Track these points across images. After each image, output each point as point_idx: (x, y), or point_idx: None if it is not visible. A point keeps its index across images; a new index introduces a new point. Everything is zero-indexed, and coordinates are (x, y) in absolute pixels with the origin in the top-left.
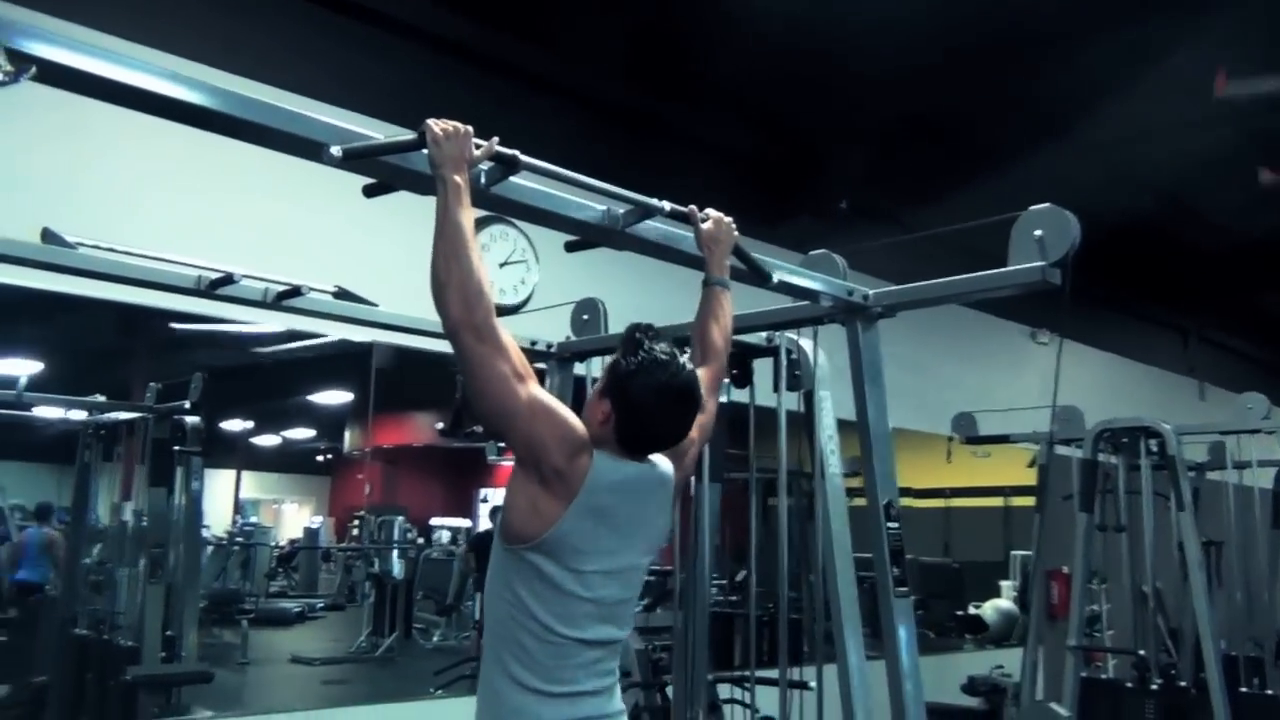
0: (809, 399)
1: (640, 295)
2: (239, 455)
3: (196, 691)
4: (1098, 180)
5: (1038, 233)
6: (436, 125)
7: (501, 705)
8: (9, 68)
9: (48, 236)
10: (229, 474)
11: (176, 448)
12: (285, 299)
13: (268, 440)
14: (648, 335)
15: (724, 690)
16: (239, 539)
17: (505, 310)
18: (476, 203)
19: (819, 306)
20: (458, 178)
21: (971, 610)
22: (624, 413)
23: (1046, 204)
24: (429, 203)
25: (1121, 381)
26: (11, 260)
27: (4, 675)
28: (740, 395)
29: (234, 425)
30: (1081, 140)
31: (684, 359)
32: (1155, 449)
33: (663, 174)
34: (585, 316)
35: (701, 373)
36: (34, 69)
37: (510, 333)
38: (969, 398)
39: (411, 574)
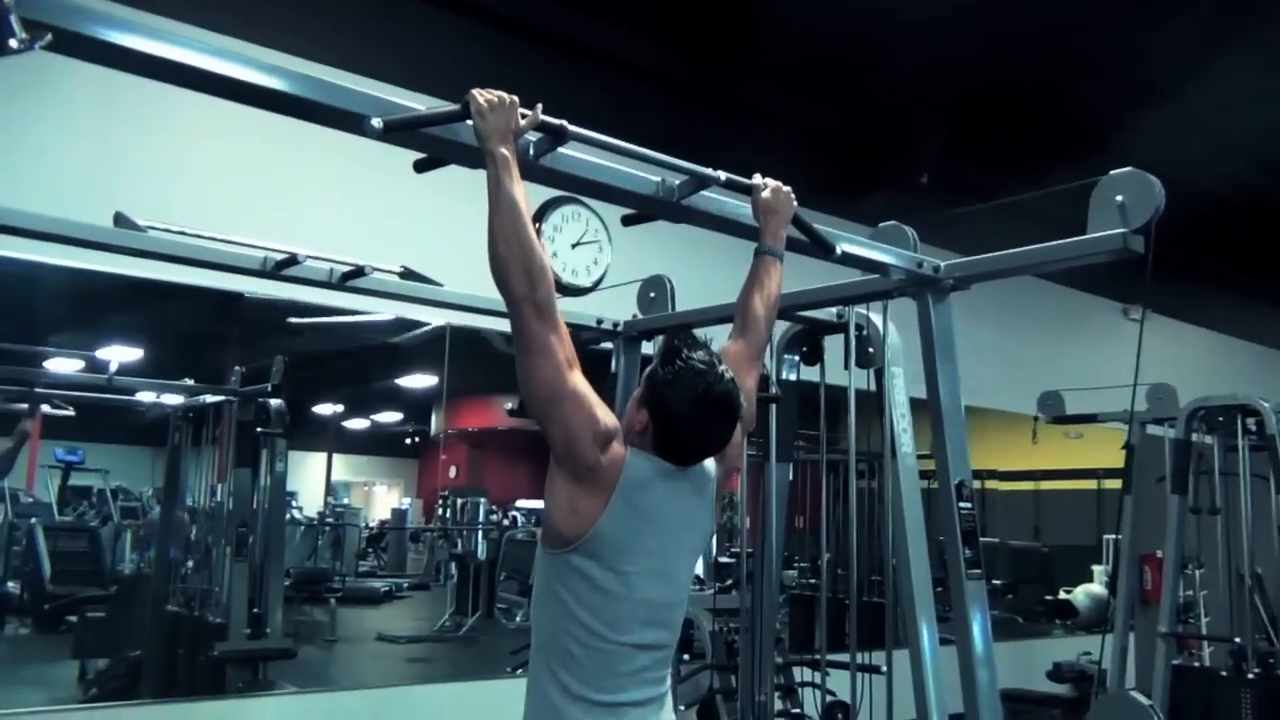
0: (880, 376)
1: (709, 272)
2: (330, 438)
3: (284, 667)
4: (1193, 149)
5: (1119, 198)
6: (481, 96)
7: (546, 711)
8: (24, 35)
9: (120, 220)
10: (321, 457)
11: (259, 429)
12: (350, 279)
13: (358, 424)
14: (686, 344)
15: (804, 673)
16: (329, 520)
17: (578, 291)
18: (524, 175)
19: (889, 280)
20: (504, 150)
21: (1061, 595)
22: (661, 423)
23: (1129, 168)
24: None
25: (1217, 358)
26: (85, 244)
27: (104, 649)
28: (811, 373)
29: (326, 409)
30: (1176, 107)
31: (723, 368)
32: (1253, 428)
33: (733, 150)
34: (652, 294)
35: (738, 344)
36: (49, 36)
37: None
38: (1057, 377)
39: (494, 555)
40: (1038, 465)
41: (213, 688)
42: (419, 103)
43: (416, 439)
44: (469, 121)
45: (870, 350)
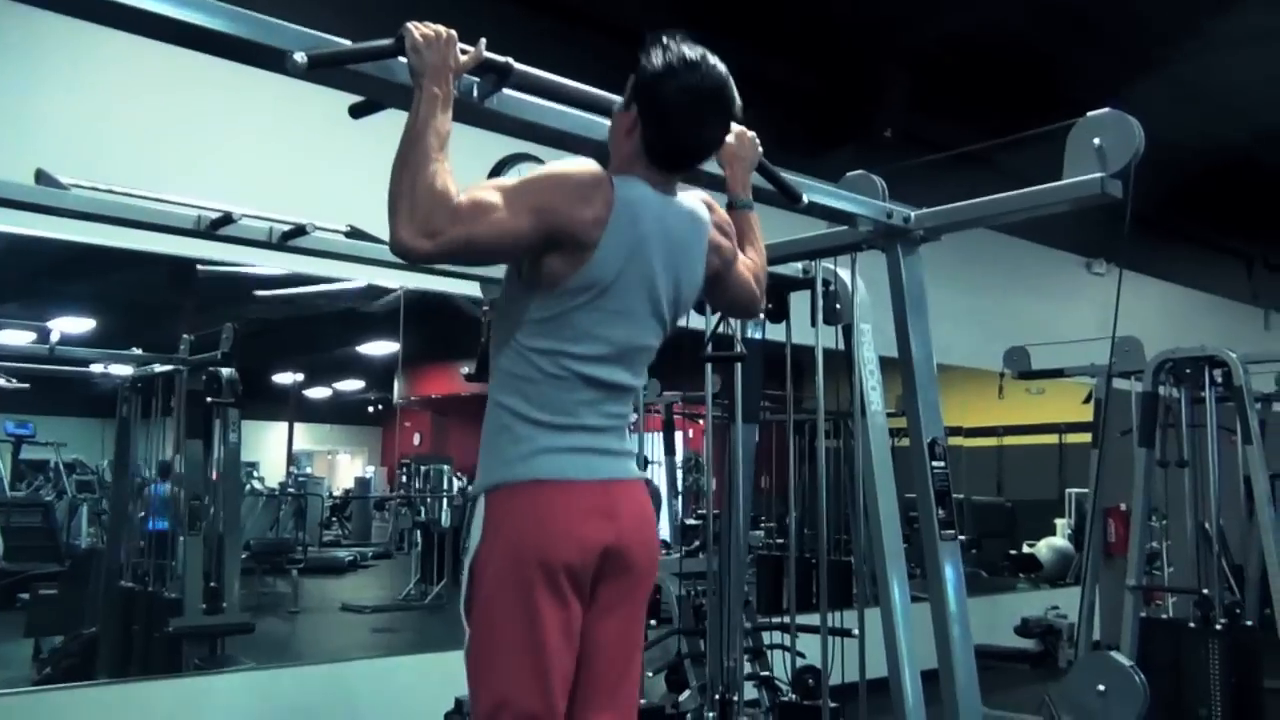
0: (848, 332)
1: None
2: (291, 408)
3: (244, 642)
4: (1157, 98)
5: (1097, 140)
6: (416, 30)
7: (500, 436)
8: None
9: (41, 178)
10: (282, 426)
11: (209, 399)
12: (291, 238)
13: (320, 393)
14: (673, 36)
15: (773, 635)
16: (290, 490)
17: None
18: (469, 119)
19: (856, 232)
20: (437, 88)
21: (1025, 549)
22: (651, 119)
23: (1106, 109)
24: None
25: (1181, 311)
26: (3, 203)
27: (58, 627)
28: (777, 332)
29: (286, 378)
30: (1147, 58)
31: (715, 60)
32: (1220, 380)
33: None
34: None
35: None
36: None
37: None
38: (1022, 332)
39: (459, 522)
40: (1001, 421)
41: (169, 665)
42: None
43: (379, 407)
44: (404, 59)
45: (838, 306)
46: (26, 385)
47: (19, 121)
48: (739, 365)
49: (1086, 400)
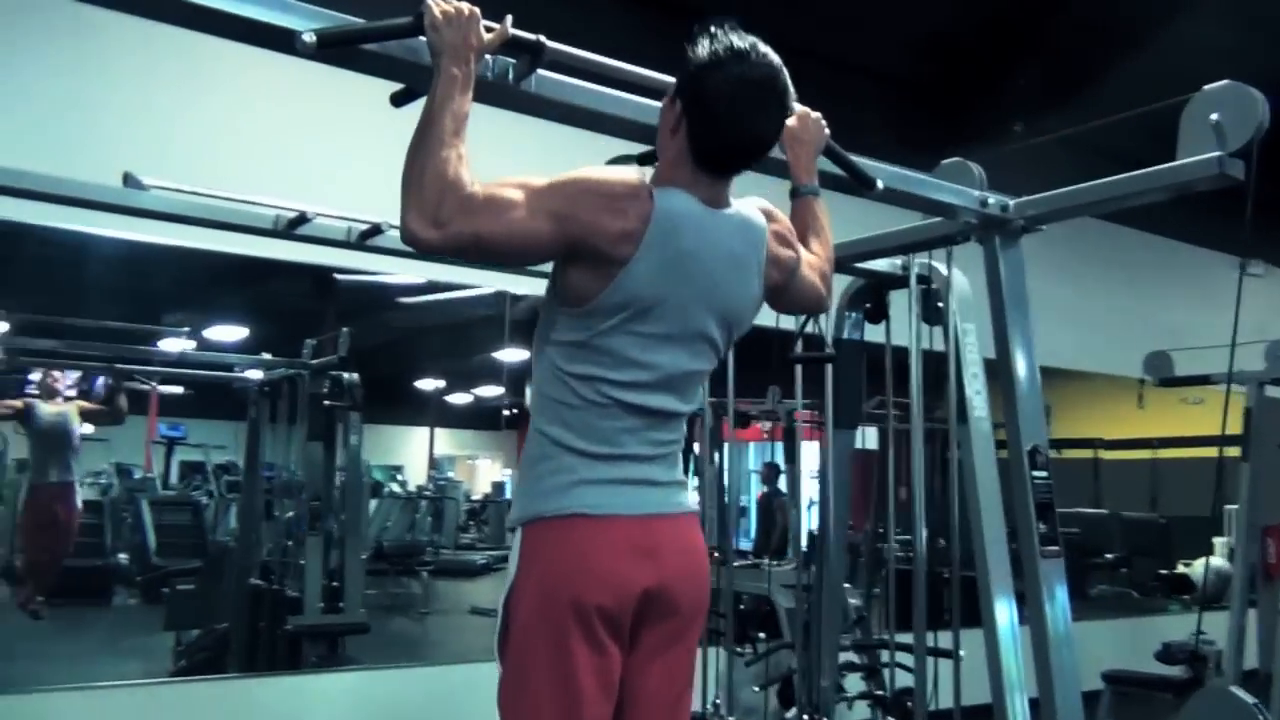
0: (951, 333)
1: None
2: (433, 413)
3: (370, 640)
4: None
5: (1214, 116)
6: (436, 6)
7: (539, 465)
8: None
9: (129, 180)
10: (424, 431)
11: (326, 403)
12: (369, 237)
13: (460, 398)
14: (722, 25)
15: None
16: (428, 493)
17: None
18: (506, 103)
19: (952, 224)
20: (456, 69)
21: (1180, 569)
22: (697, 115)
23: (1225, 81)
24: (529, 133)
25: None
26: (93, 205)
27: (194, 621)
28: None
29: (429, 384)
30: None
31: (766, 49)
32: None
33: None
34: None
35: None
36: None
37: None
38: (1168, 337)
39: None
40: (1154, 432)
41: (290, 662)
42: None
43: (515, 412)
44: (424, 38)
45: (940, 305)
46: (182, 390)
47: (107, 126)
48: (830, 366)
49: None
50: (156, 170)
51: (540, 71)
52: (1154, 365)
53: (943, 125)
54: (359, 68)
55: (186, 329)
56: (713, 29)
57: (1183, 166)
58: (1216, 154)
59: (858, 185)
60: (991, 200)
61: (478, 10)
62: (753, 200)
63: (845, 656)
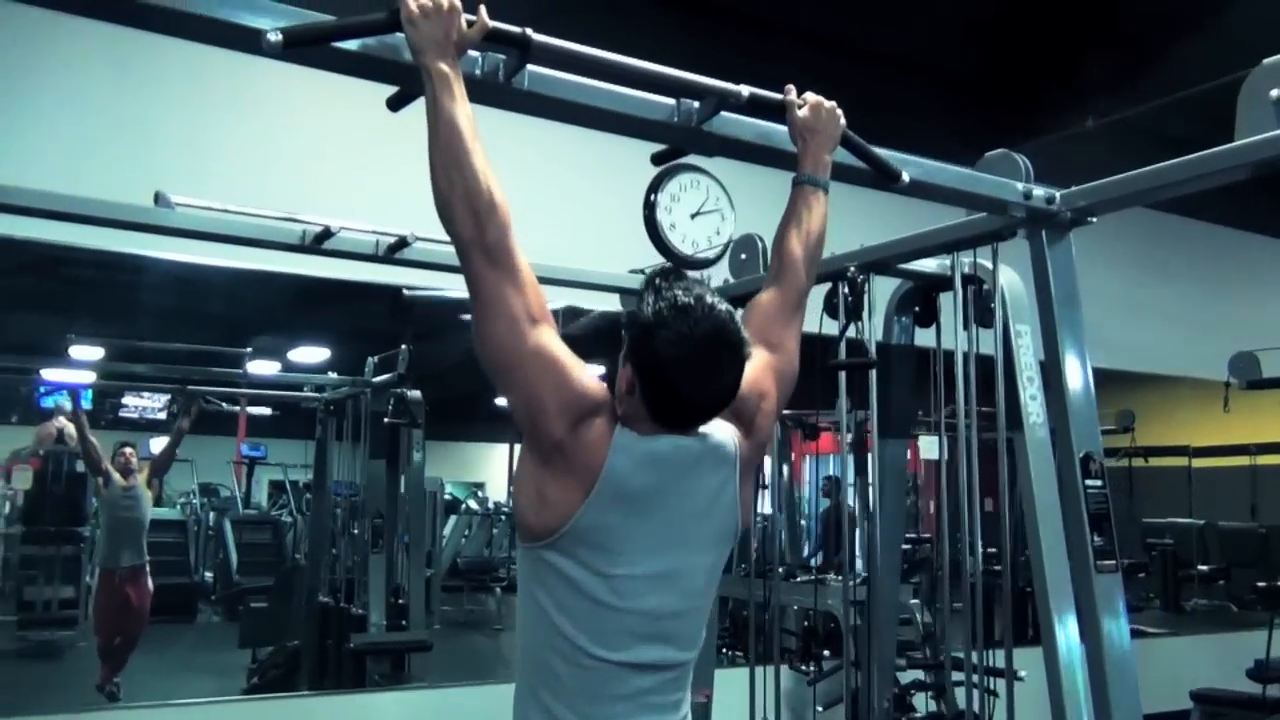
0: (1005, 335)
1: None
2: (513, 430)
3: (438, 656)
4: None
5: (1275, 93)
6: (414, 1)
7: None
8: None
9: (159, 200)
10: (504, 448)
11: (386, 420)
12: (396, 250)
13: None
14: (667, 279)
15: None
16: (505, 510)
17: (701, 264)
18: (500, 102)
19: (997, 219)
20: (443, 64)
21: None
22: (648, 376)
23: None
24: (554, 141)
25: None
26: (124, 225)
27: (266, 639)
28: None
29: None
30: None
31: (714, 300)
32: None
33: (867, 106)
34: (744, 256)
35: (771, 294)
36: None
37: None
38: (1254, 337)
39: None
40: (1245, 437)
41: (355, 680)
42: None
43: None
44: (401, 34)
45: (993, 307)
46: (270, 411)
47: (141, 146)
48: (872, 373)
49: None
50: (190, 189)
51: (532, 68)
52: (1240, 367)
53: (1006, 119)
54: (336, 68)
55: (249, 349)
56: (657, 283)
57: (1240, 148)
58: (1275, 133)
59: (882, 179)
60: (1037, 192)
61: (457, 2)
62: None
63: (914, 675)
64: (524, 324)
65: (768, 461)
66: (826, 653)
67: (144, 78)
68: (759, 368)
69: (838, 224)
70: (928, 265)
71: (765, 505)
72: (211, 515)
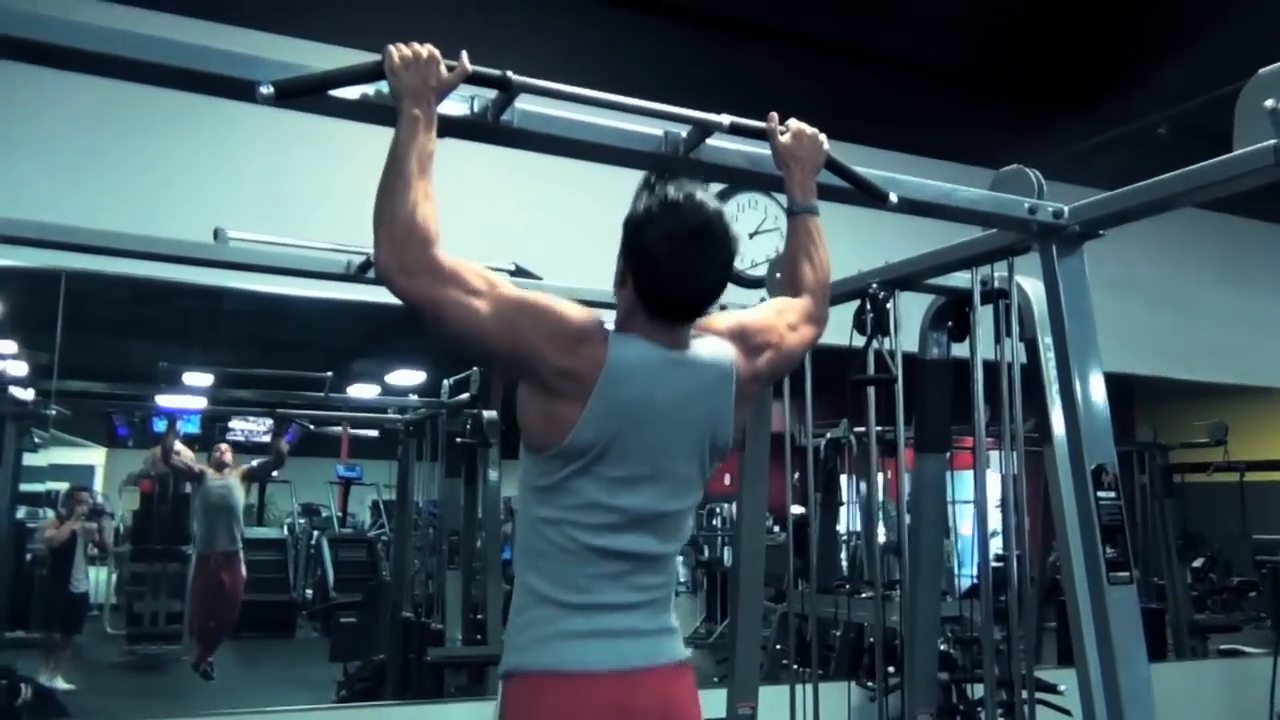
0: (1032, 348)
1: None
2: None
3: None
4: None
5: (1269, 103)
6: (396, 51)
7: (519, 616)
8: None
9: (218, 235)
10: None
11: (459, 440)
12: None
13: None
14: (661, 178)
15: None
16: None
17: (759, 282)
18: (489, 138)
19: (1007, 235)
20: (416, 110)
21: None
22: (639, 269)
23: None
24: (607, 178)
25: None
26: (184, 260)
27: (355, 653)
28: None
29: None
30: None
31: (703, 198)
32: None
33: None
34: (779, 275)
35: (794, 300)
36: None
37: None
38: None
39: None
40: None
41: (435, 692)
42: None
43: None
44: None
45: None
46: (374, 433)
47: (202, 184)
48: (899, 389)
49: None
50: (249, 224)
51: (520, 105)
52: None
53: (1077, 129)
54: (328, 112)
55: (330, 374)
56: (651, 182)
57: (1235, 159)
58: (1271, 142)
59: (869, 200)
60: (1044, 207)
61: (436, 52)
62: (721, 321)
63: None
64: (468, 301)
65: (845, 480)
66: (891, 669)
67: (209, 122)
68: (772, 326)
69: (866, 239)
70: (959, 279)
71: (846, 522)
72: (312, 534)
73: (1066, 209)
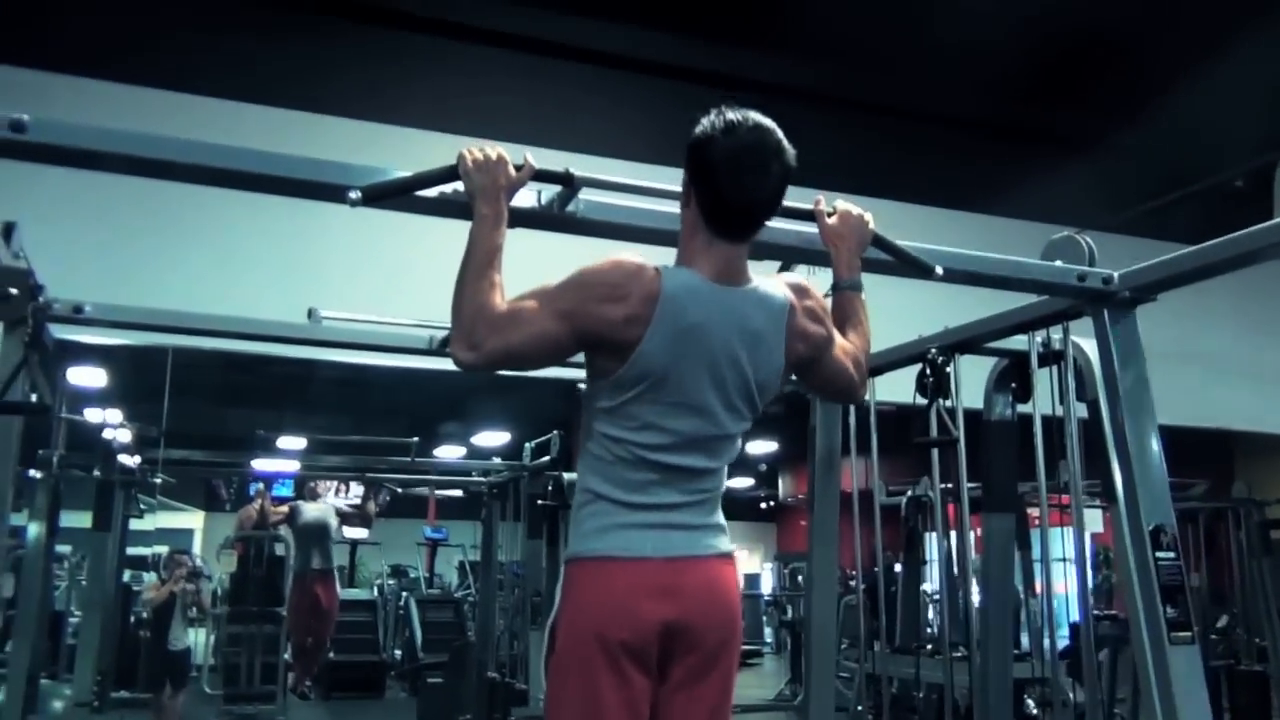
0: (1094, 408)
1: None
2: None
3: None
4: None
5: None
6: (469, 155)
7: (581, 511)
8: None
9: (311, 315)
10: None
11: (539, 502)
12: None
13: None
14: (724, 105)
15: None
16: None
17: None
18: (558, 228)
19: (1059, 301)
20: (486, 209)
21: None
22: (700, 185)
23: None
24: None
25: None
26: (281, 340)
27: (441, 713)
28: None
29: None
30: None
31: (760, 119)
32: None
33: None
34: None
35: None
36: None
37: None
38: None
39: None
40: None
41: None
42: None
43: (770, 504)
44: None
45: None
46: (460, 494)
47: (297, 266)
48: (961, 449)
49: None
50: (334, 301)
51: (585, 196)
52: None
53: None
54: (410, 209)
55: (415, 439)
56: (711, 108)
57: (1271, 227)
58: None
59: (915, 273)
60: (1093, 274)
61: (505, 154)
62: (786, 276)
63: None
64: (531, 330)
65: (932, 538)
66: None
67: (302, 207)
68: (835, 332)
69: (929, 302)
70: (1019, 341)
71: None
72: (400, 595)
73: (1116, 275)
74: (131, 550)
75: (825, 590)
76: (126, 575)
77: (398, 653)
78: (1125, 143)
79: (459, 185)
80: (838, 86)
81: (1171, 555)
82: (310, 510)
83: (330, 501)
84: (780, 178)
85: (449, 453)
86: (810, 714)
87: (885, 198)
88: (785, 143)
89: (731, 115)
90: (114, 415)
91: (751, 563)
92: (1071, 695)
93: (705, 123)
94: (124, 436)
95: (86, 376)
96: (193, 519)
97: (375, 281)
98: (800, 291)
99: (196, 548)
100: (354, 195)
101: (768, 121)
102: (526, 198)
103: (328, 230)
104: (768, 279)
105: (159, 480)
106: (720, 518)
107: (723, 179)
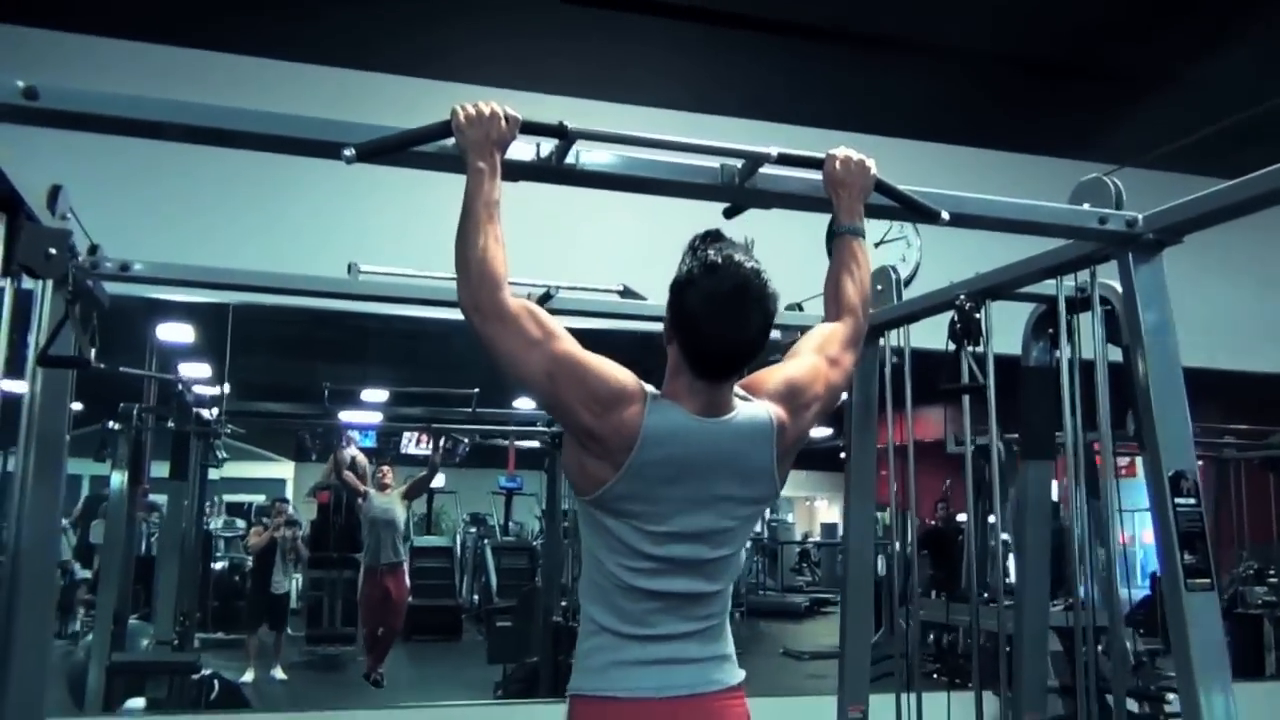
0: (1128, 354)
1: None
2: None
3: None
4: None
5: None
6: (461, 110)
7: (584, 642)
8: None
9: (351, 269)
10: None
11: None
12: (543, 302)
13: None
14: (704, 241)
15: None
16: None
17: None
18: (557, 179)
19: (1086, 245)
20: (481, 163)
21: None
22: (681, 328)
23: None
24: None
25: None
26: (323, 294)
27: (511, 655)
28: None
29: None
30: None
31: (742, 259)
32: None
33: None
34: (879, 287)
35: (834, 325)
36: None
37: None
38: None
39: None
40: None
41: None
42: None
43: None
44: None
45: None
46: (536, 444)
47: (340, 221)
48: (990, 394)
49: None
50: (383, 258)
51: (582, 147)
52: None
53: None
54: (405, 164)
55: (476, 390)
56: (695, 244)
57: None
58: None
59: (922, 218)
60: (1116, 217)
61: (497, 108)
62: (768, 380)
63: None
64: (524, 353)
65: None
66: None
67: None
68: (816, 371)
69: (964, 248)
70: (1051, 286)
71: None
72: (478, 542)
73: (1141, 217)
74: (230, 497)
75: (862, 538)
76: (220, 522)
77: (475, 598)
78: (1181, 75)
79: (451, 141)
80: (857, 22)
81: (1191, 502)
82: (379, 502)
83: (395, 495)
84: (761, 328)
85: (524, 404)
86: (846, 654)
87: (915, 139)
88: (768, 287)
89: (713, 255)
90: (191, 371)
91: (830, 513)
92: (1130, 645)
93: (687, 262)
94: (197, 390)
95: (171, 333)
96: (284, 469)
97: (420, 236)
98: (785, 395)
99: (289, 495)
100: (348, 153)
101: (750, 263)
102: (525, 150)
103: (371, 191)
104: (752, 401)
105: (229, 431)
106: (728, 646)
107: (703, 329)
